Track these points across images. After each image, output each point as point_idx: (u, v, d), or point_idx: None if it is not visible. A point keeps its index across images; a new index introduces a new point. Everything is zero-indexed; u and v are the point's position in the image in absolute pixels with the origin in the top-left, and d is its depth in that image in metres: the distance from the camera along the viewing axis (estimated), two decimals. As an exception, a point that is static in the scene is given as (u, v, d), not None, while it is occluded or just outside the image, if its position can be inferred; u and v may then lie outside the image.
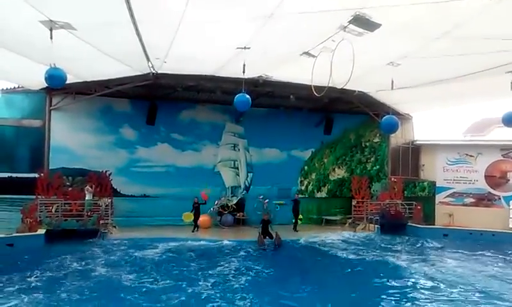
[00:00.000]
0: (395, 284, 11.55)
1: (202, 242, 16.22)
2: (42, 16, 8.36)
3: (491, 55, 10.25)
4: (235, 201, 20.30)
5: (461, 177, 21.51)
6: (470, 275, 12.47)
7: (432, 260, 14.70)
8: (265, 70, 14.09)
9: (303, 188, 21.71)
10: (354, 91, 16.61)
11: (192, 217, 18.27)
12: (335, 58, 9.40)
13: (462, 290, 10.90)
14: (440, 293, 10.68)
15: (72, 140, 18.02)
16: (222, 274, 11.96)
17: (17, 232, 15.29)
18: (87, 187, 17.02)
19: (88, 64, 12.88)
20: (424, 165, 22.84)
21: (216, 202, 19.52)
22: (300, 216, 19.67)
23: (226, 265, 13.08)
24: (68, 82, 10.93)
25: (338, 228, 19.95)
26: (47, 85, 9.90)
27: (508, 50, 9.72)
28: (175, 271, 12.28)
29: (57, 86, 11.35)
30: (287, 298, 10.03)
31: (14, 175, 17.25)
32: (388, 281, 11.74)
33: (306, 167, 21.80)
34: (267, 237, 16.12)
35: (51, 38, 8.71)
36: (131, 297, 9.80)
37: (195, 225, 18.21)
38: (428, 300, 10.11)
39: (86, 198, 16.77)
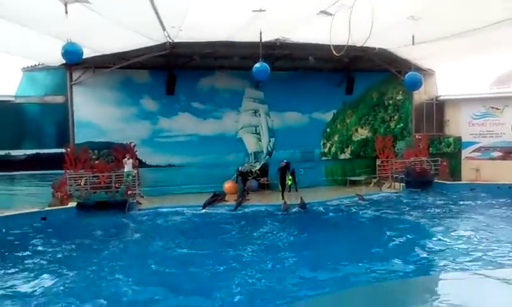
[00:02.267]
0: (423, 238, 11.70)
1: (229, 208, 16.50)
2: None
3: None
4: (258, 167, 20.38)
5: (487, 131, 21.07)
6: (497, 228, 12.45)
7: (457, 214, 14.76)
8: (282, 33, 13.86)
9: (325, 150, 21.58)
10: (375, 48, 16.23)
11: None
12: (353, 15, 9.18)
13: (488, 242, 10.94)
14: (465, 246, 10.75)
15: (95, 114, 18.24)
16: (253, 238, 12.28)
17: (49, 206, 15.84)
18: (124, 159, 17.33)
19: (105, 37, 12.90)
20: (448, 120, 22.41)
21: (240, 168, 19.61)
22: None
23: (256, 229, 13.33)
24: (86, 56, 11.05)
25: (363, 188, 19.89)
26: (64, 61, 9.95)
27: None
28: (207, 237, 12.59)
29: (73, 61, 11.46)
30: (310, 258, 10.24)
31: (41, 151, 17.63)
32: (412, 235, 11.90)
33: (328, 129, 21.59)
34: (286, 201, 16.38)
35: (66, 12, 8.71)
36: (161, 264, 10.09)
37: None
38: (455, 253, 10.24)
39: (126, 170, 17.12)
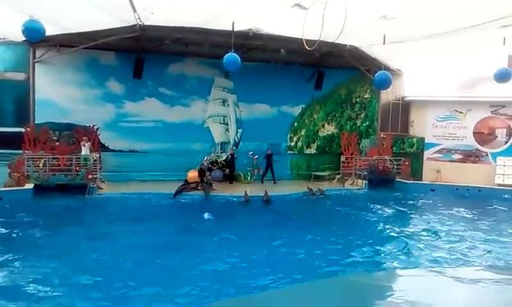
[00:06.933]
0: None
1: (190, 197, 16.33)
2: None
3: (485, 9, 10.10)
4: (224, 157, 20.22)
5: (449, 133, 21.64)
6: (450, 226, 12.90)
7: (414, 213, 15.24)
8: (255, 23, 13.72)
9: (292, 144, 21.65)
10: (346, 45, 16.34)
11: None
12: (327, 10, 9.14)
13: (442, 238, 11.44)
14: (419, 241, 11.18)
15: (57, 94, 17.56)
16: (209, 228, 12.18)
17: (5, 186, 15.23)
18: (83, 142, 16.81)
19: (72, 14, 12.39)
20: (413, 121, 22.87)
21: (205, 158, 19.39)
22: None
23: (215, 218, 13.24)
24: (50, 33, 10.61)
25: (326, 183, 20.10)
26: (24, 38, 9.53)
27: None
28: (166, 225, 12.40)
29: (35, 39, 11.08)
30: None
31: (-1, 129, 16.92)
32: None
33: (296, 124, 21.64)
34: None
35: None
36: (105, 251, 9.87)
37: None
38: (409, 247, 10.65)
39: (82, 153, 16.61)
